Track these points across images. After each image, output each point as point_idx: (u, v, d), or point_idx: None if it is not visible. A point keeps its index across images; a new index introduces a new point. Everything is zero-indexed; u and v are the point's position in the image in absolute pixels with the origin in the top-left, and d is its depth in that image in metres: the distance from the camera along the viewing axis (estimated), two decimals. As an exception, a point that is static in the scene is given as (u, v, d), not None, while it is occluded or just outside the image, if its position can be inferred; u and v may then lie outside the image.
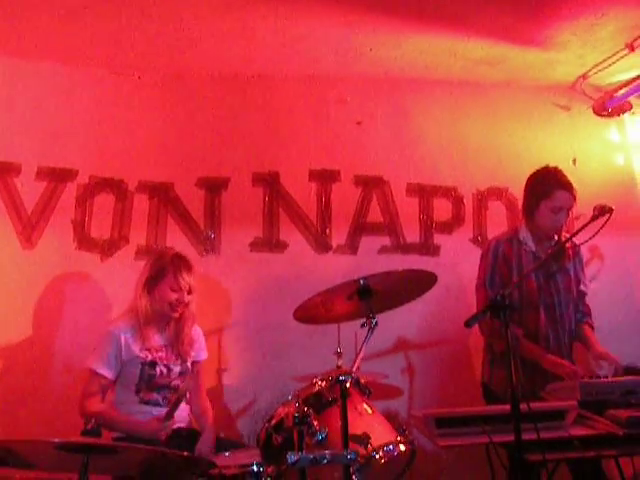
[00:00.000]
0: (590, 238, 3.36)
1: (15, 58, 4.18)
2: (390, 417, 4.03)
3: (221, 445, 3.46)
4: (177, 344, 3.62)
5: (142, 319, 3.53)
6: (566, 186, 3.64)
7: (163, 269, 3.53)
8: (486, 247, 3.82)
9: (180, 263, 3.55)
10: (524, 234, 3.74)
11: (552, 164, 3.82)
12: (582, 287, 3.86)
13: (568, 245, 3.74)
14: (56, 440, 2.25)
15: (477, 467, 3.99)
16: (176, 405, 3.25)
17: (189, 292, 3.56)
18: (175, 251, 3.67)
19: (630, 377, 3.38)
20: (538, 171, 3.75)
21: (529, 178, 3.78)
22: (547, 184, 3.68)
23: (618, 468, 3.51)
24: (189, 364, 3.66)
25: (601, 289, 4.46)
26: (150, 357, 3.51)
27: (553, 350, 3.67)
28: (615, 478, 3.53)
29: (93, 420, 2.84)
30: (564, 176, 3.69)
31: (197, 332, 3.74)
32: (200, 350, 3.76)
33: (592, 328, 3.85)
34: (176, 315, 3.56)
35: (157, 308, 3.54)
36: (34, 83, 4.25)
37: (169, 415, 3.27)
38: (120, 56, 4.21)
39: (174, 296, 3.51)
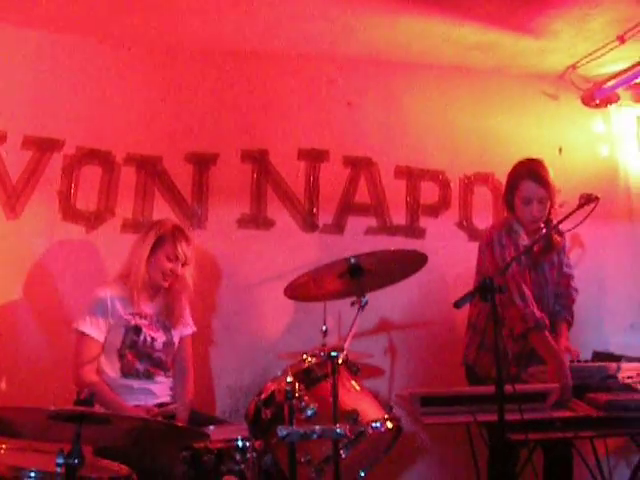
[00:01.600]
0: (575, 226, 3.37)
1: (2, 24, 4.09)
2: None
3: (201, 421, 3.46)
4: (166, 314, 3.63)
5: (136, 284, 3.51)
6: (533, 176, 3.60)
7: (162, 237, 3.53)
8: (488, 237, 3.74)
9: (180, 233, 3.57)
10: (516, 226, 3.71)
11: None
12: (565, 269, 3.84)
13: (557, 237, 3.73)
14: (52, 408, 2.25)
15: (455, 448, 4.11)
16: (165, 417, 3.30)
17: (184, 264, 3.56)
18: (174, 222, 3.67)
19: (609, 362, 3.47)
20: (516, 163, 3.74)
21: (509, 171, 3.78)
22: (516, 175, 3.69)
23: (593, 449, 3.61)
24: (174, 337, 3.67)
25: (579, 277, 4.53)
26: (134, 322, 3.52)
27: None
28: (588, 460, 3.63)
29: (86, 390, 2.85)
30: (535, 167, 3.66)
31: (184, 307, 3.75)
32: (187, 324, 3.77)
33: (568, 324, 3.81)
34: (165, 285, 3.57)
35: (150, 276, 3.54)
36: (21, 50, 4.17)
37: (155, 416, 3.31)
38: (111, 26, 4.15)
39: (169, 265, 3.52)
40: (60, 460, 2.30)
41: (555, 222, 3.62)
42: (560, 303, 3.82)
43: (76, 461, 2.30)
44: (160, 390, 3.60)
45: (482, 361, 3.69)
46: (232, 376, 4.24)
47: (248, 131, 4.43)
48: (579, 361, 3.55)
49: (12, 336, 4.02)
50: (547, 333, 3.43)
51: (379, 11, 3.94)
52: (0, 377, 3.97)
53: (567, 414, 3.08)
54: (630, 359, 3.61)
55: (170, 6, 3.90)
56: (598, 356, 3.87)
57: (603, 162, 4.83)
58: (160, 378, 3.60)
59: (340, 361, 2.63)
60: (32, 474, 2.51)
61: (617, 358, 3.67)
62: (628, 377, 3.33)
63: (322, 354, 2.73)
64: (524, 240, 3.66)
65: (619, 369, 3.34)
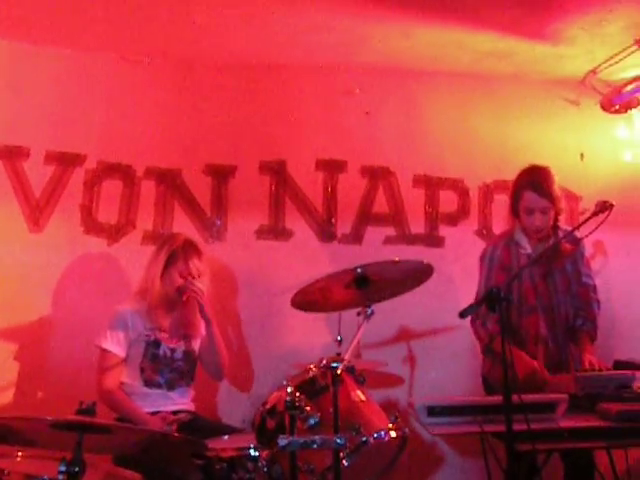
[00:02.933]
0: (590, 233, 3.32)
1: (25, 43, 4.22)
2: (390, 405, 4.13)
3: (219, 430, 3.50)
4: (184, 326, 3.69)
5: (151, 301, 3.58)
6: (534, 186, 3.55)
7: (174, 254, 3.59)
8: (482, 252, 3.78)
9: (191, 249, 3.62)
10: (519, 235, 3.69)
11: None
12: (585, 279, 3.76)
13: (566, 244, 3.65)
14: (49, 418, 2.31)
15: (476, 458, 4.08)
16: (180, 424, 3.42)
17: (197, 277, 3.61)
18: (185, 236, 3.72)
19: (624, 371, 3.41)
20: (520, 170, 3.69)
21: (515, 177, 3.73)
22: (519, 185, 3.65)
23: (610, 461, 3.54)
24: (194, 345, 3.73)
25: (604, 285, 4.47)
26: (154, 336, 3.59)
27: (552, 353, 3.66)
28: (608, 472, 3.56)
29: (97, 399, 2.90)
30: (537, 177, 3.59)
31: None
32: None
33: (590, 338, 3.71)
34: (183, 299, 3.61)
35: (165, 292, 3.59)
36: (43, 68, 4.29)
37: (170, 424, 3.40)
38: (130, 42, 4.25)
39: (182, 282, 3.57)
40: (62, 468, 2.36)
41: (563, 229, 3.59)
42: (581, 316, 3.75)
43: (77, 469, 2.35)
44: (180, 398, 3.66)
45: (496, 372, 3.66)
46: (251, 385, 4.28)
47: (266, 143, 4.47)
48: (593, 370, 3.49)
49: (37, 349, 4.12)
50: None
51: (394, 20, 3.95)
52: (26, 388, 4.07)
53: (576, 423, 3.03)
54: (651, 368, 3.55)
55: (188, 21, 3.97)
56: (619, 365, 3.80)
57: (626, 168, 4.75)
58: (182, 388, 3.68)
59: (339, 371, 2.62)
60: (47, 482, 2.60)
61: (638, 367, 3.60)
62: (644, 387, 3.27)
63: (322, 365, 2.74)
64: (526, 250, 3.64)
65: (634, 378, 3.27)
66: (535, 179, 3.57)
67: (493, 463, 3.29)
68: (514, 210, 3.69)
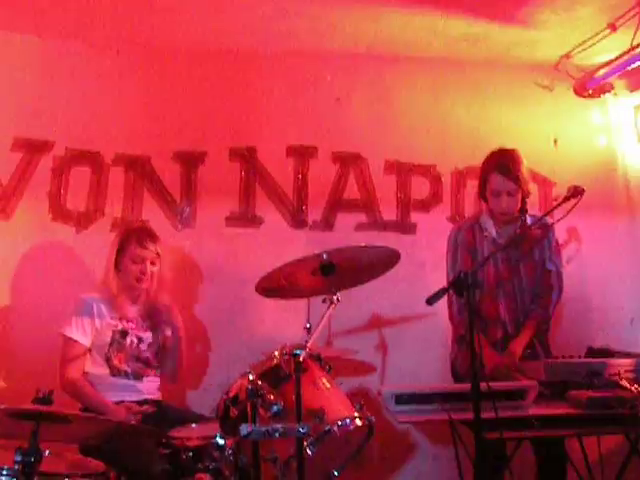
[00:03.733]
0: (561, 218, 3.32)
1: (-9, 30, 4.14)
2: (361, 394, 4.10)
3: (186, 419, 3.45)
4: (150, 315, 3.65)
5: (113, 291, 3.56)
6: (501, 169, 3.52)
7: (125, 243, 3.55)
8: (449, 236, 3.78)
9: (141, 235, 3.57)
10: (484, 219, 3.68)
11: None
12: (548, 265, 3.71)
13: (535, 229, 3.62)
14: (2, 406, 2.26)
15: (449, 445, 4.06)
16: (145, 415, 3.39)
17: (152, 263, 3.56)
18: (138, 223, 3.68)
19: (594, 359, 3.40)
20: (489, 153, 3.67)
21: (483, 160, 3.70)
22: (486, 167, 3.62)
23: (582, 449, 3.53)
24: (160, 335, 3.68)
25: (578, 271, 4.47)
26: (121, 326, 3.55)
27: (511, 338, 3.64)
28: (580, 461, 3.55)
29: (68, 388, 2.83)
30: (504, 159, 3.56)
31: (167, 305, 3.75)
32: (173, 321, 3.75)
33: (537, 324, 3.68)
34: (143, 287, 3.58)
35: (125, 282, 3.56)
36: (10, 55, 4.22)
37: (135, 415, 3.37)
38: (97, 29, 4.17)
39: (137, 268, 3.52)
40: (18, 458, 2.33)
41: (531, 213, 3.58)
42: (536, 302, 3.71)
43: (32, 459, 2.31)
44: (147, 388, 3.62)
45: (462, 359, 3.65)
46: (222, 374, 4.21)
47: (236, 129, 4.43)
48: (564, 357, 3.48)
49: (1, 336, 4.06)
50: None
51: (364, 4, 3.91)
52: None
53: (546, 411, 3.01)
54: (622, 355, 3.53)
55: (155, 8, 3.93)
56: (592, 352, 3.79)
57: (600, 153, 4.74)
58: (149, 377, 3.64)
59: (302, 359, 2.59)
60: (4, 472, 2.55)
61: (611, 354, 3.59)
62: (615, 374, 3.24)
63: (286, 352, 2.70)
64: (490, 234, 3.63)
65: (605, 365, 3.26)
66: (502, 162, 3.55)
67: (463, 451, 3.30)
68: (482, 193, 3.67)
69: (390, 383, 4.32)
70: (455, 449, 3.37)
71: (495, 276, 3.63)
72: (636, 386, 3.14)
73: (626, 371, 3.26)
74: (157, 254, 3.58)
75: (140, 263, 3.53)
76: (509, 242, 3.55)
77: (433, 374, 4.20)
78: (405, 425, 3.97)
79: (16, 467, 2.33)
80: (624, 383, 3.16)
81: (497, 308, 3.65)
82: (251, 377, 2.57)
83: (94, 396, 3.44)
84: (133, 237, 3.55)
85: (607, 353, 3.63)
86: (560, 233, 4.04)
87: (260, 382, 2.60)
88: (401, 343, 4.41)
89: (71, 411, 2.54)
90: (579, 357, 3.59)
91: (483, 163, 3.66)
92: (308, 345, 2.64)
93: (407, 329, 4.41)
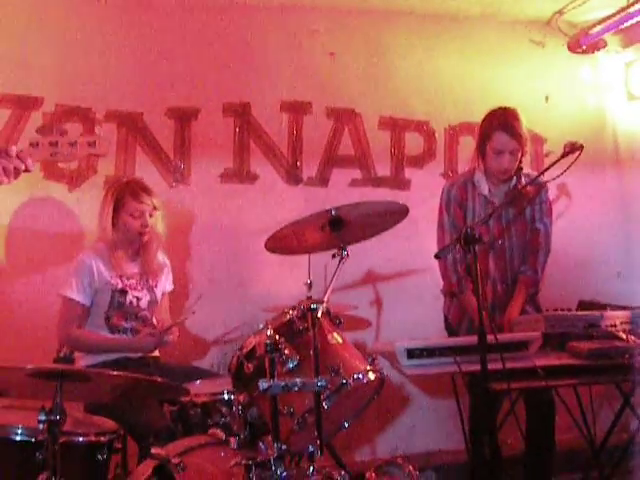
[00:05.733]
0: (559, 175, 3.30)
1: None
2: (358, 348, 4.14)
3: (192, 374, 3.47)
4: (147, 271, 3.62)
5: (111, 248, 3.52)
6: (506, 128, 3.51)
7: (120, 198, 3.50)
8: (441, 191, 3.78)
9: (136, 187, 3.53)
10: (478, 176, 3.68)
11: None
12: (537, 224, 3.72)
13: (529, 187, 3.60)
14: (29, 366, 2.25)
15: (442, 399, 4.16)
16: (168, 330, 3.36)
17: (150, 215, 3.54)
18: (129, 177, 3.63)
19: (592, 312, 3.47)
20: (489, 111, 3.64)
21: (483, 118, 3.68)
22: (489, 125, 3.59)
23: (577, 397, 3.64)
24: (158, 294, 3.67)
25: (567, 226, 4.53)
26: (121, 285, 3.52)
27: (499, 295, 3.69)
28: (575, 407, 3.66)
29: (65, 347, 2.83)
30: (508, 118, 3.54)
31: (165, 263, 3.74)
32: (167, 280, 3.77)
33: (527, 286, 3.70)
34: (144, 239, 3.55)
35: (123, 237, 3.53)
36: (-4, 7, 4.09)
37: (162, 334, 3.35)
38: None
39: (137, 222, 3.49)
40: (42, 417, 2.31)
41: (529, 171, 3.62)
42: (526, 262, 3.72)
43: (58, 417, 2.31)
44: None
45: (455, 312, 3.73)
46: (219, 329, 4.26)
47: (229, 84, 4.37)
48: (562, 310, 3.55)
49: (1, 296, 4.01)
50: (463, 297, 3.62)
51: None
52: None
53: (549, 362, 3.08)
54: (615, 308, 3.62)
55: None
56: (583, 305, 3.88)
57: (591, 110, 4.80)
58: (146, 333, 3.63)
59: (319, 314, 2.61)
60: (19, 431, 2.55)
61: (602, 307, 3.67)
62: (611, 325, 3.33)
63: (302, 307, 2.72)
64: (483, 191, 3.65)
65: (602, 317, 3.34)
66: (506, 120, 3.53)
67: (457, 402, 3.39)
68: (481, 150, 3.65)
69: (384, 338, 4.37)
70: (457, 401, 3.45)
71: (486, 232, 3.61)
72: (633, 337, 3.24)
73: (622, 323, 3.36)
74: (154, 207, 3.55)
75: (140, 217, 3.49)
76: (510, 199, 3.58)
77: (427, 329, 4.23)
78: (401, 379, 4.03)
79: (41, 427, 2.31)
80: (621, 334, 3.26)
81: (487, 264, 3.68)
82: (269, 332, 2.57)
83: (109, 340, 3.45)
84: (127, 192, 3.50)
85: (599, 306, 3.73)
86: (550, 189, 4.05)
87: (278, 337, 2.61)
88: (396, 298, 4.46)
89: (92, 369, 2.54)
90: (569, 310, 3.67)
91: (484, 120, 3.64)
92: (325, 300, 2.66)
93: (402, 284, 4.46)
